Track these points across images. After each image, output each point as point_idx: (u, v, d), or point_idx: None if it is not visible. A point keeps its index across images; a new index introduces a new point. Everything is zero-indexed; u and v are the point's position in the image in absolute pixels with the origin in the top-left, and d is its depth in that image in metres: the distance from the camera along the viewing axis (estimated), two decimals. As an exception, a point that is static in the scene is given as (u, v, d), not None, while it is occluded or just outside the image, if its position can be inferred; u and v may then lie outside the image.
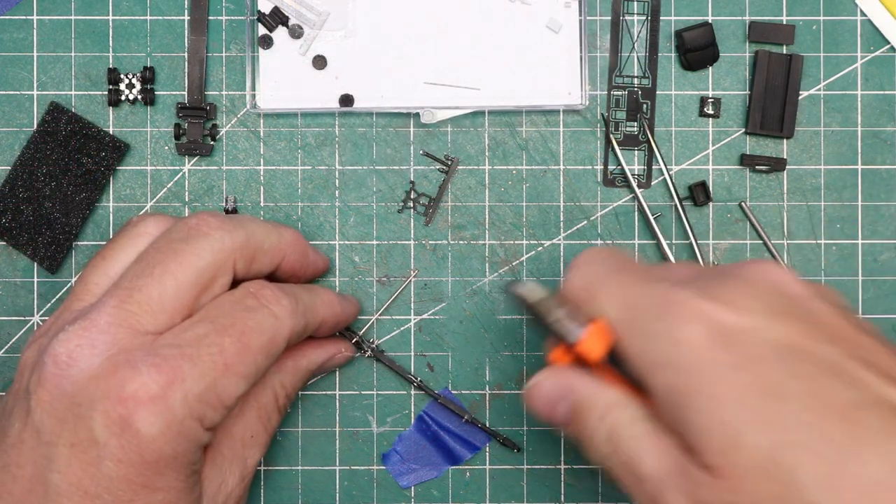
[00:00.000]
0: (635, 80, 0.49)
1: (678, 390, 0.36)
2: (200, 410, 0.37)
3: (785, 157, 0.49)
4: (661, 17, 0.49)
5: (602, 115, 0.49)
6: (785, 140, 0.49)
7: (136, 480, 0.36)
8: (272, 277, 0.45)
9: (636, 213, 0.49)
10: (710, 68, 0.49)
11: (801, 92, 0.49)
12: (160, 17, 0.49)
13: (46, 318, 0.49)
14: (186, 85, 0.49)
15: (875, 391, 0.33)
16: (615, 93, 0.49)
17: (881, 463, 0.32)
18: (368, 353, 0.48)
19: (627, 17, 0.49)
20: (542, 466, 0.49)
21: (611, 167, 0.49)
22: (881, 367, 0.34)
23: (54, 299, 0.49)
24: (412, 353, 0.49)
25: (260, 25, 0.48)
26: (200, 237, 0.40)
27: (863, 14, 0.49)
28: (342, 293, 0.48)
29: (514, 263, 0.49)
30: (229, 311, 0.39)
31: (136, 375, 0.36)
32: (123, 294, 0.38)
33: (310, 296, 0.43)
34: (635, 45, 0.49)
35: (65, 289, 0.49)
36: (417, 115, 0.49)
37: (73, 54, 0.49)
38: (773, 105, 0.49)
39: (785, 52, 0.49)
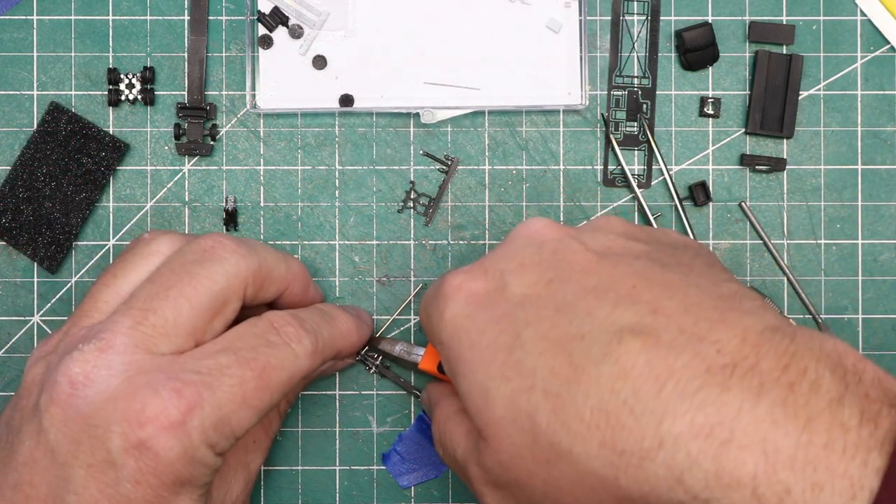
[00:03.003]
0: (635, 80, 0.49)
1: (450, 362, 0.38)
2: (214, 439, 0.37)
3: (785, 157, 0.49)
4: (661, 17, 0.49)
5: (602, 115, 0.49)
6: (785, 140, 0.49)
7: (154, 501, 0.36)
8: (271, 305, 0.45)
9: (636, 213, 0.49)
10: (710, 68, 0.49)
11: (801, 92, 0.49)
12: (160, 17, 0.49)
13: (46, 318, 0.49)
14: (186, 85, 0.49)
15: (601, 318, 0.34)
16: (615, 93, 0.49)
17: (597, 388, 0.32)
18: (372, 369, 0.48)
19: (627, 17, 0.49)
20: (542, 466, 0.49)
21: (611, 167, 0.49)
22: (619, 289, 0.35)
23: (54, 299, 0.49)
24: (412, 353, 0.49)
25: (260, 25, 0.48)
26: (216, 261, 0.40)
27: (863, 14, 0.49)
28: (358, 310, 0.48)
29: (514, 263, 0.49)
30: (253, 344, 0.39)
31: (157, 399, 0.36)
32: (138, 315, 0.38)
33: (330, 330, 0.43)
34: (635, 45, 0.49)
35: (65, 289, 0.49)
36: (417, 115, 0.49)
37: (73, 54, 0.49)
38: (773, 105, 0.49)
39: (785, 52, 0.49)
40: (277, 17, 0.48)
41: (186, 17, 0.49)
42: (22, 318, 0.49)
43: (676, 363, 0.31)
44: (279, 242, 0.49)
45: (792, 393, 0.30)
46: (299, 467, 0.49)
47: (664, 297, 0.34)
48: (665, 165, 0.49)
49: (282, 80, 0.49)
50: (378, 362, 0.48)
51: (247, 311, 0.42)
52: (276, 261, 0.42)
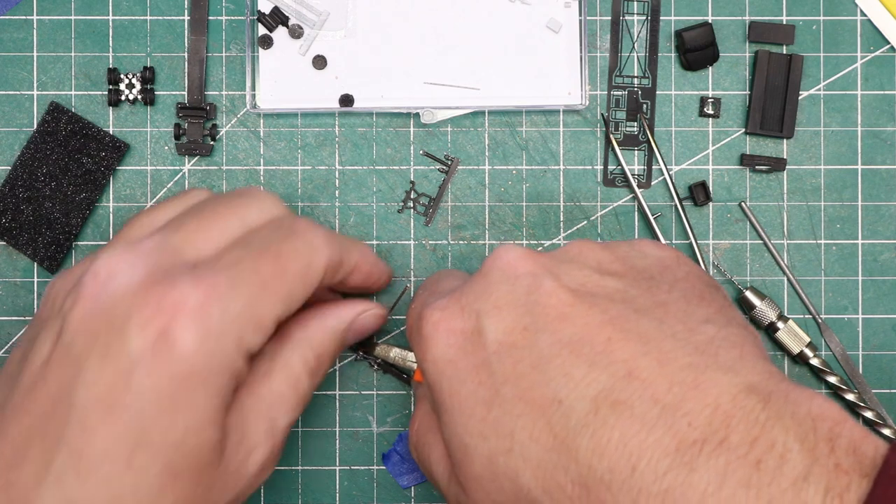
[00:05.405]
0: (635, 80, 0.49)
1: (434, 404, 0.38)
2: (238, 329, 0.37)
3: (785, 157, 0.49)
4: (661, 17, 0.49)
5: (602, 115, 0.49)
6: (785, 140, 0.49)
7: (165, 394, 0.35)
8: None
9: (636, 213, 0.49)
10: (710, 68, 0.49)
11: (801, 92, 0.49)
12: (160, 17, 0.49)
13: (46, 318, 0.49)
14: (186, 85, 0.49)
15: (578, 381, 0.34)
16: (615, 93, 0.49)
17: (576, 463, 0.33)
18: (375, 367, 0.48)
19: (627, 17, 0.49)
20: (542, 466, 0.49)
21: (611, 167, 0.49)
22: (594, 344, 0.34)
23: (54, 299, 0.49)
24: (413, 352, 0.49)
25: (260, 25, 0.48)
26: (250, 194, 0.42)
27: (863, 14, 0.49)
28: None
29: (514, 263, 0.49)
30: (265, 236, 0.40)
31: (176, 288, 0.36)
32: (169, 228, 0.39)
33: (345, 238, 0.43)
34: (635, 45, 0.49)
35: (65, 289, 0.49)
36: (417, 115, 0.49)
37: (73, 54, 0.49)
38: (773, 105, 0.49)
39: (785, 52, 0.49)
40: (277, 17, 0.48)
41: (186, 17, 0.49)
42: (22, 319, 0.49)
43: (648, 439, 0.31)
44: (279, 242, 0.49)
45: (757, 472, 0.30)
46: (299, 467, 0.49)
47: (639, 353, 0.34)
48: (665, 165, 0.49)
49: (282, 80, 0.49)
50: (380, 361, 0.48)
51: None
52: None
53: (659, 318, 0.35)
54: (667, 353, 0.33)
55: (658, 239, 0.48)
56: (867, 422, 0.48)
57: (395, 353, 0.48)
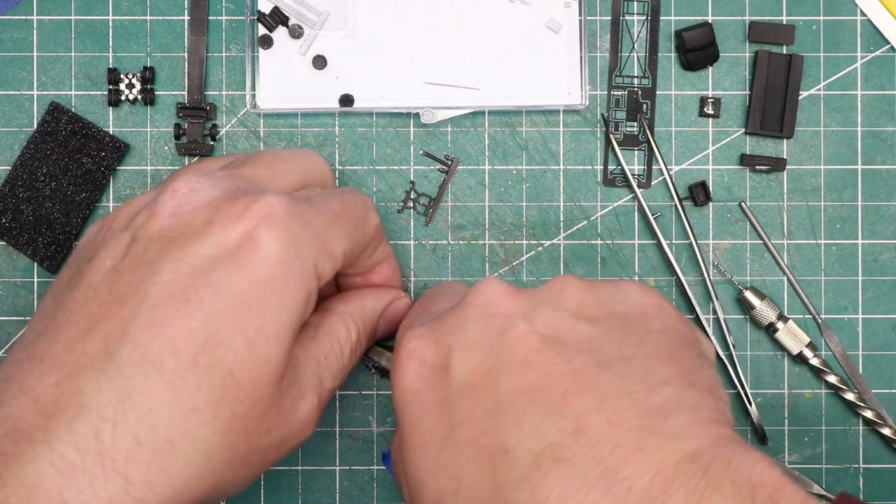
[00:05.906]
0: (635, 80, 0.49)
1: (398, 430, 0.38)
2: (317, 247, 0.37)
3: (785, 157, 0.49)
4: (661, 17, 0.49)
5: (602, 115, 0.49)
6: (785, 140, 0.49)
7: (242, 296, 0.35)
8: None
9: (636, 213, 0.49)
10: (710, 68, 0.49)
11: (801, 92, 0.49)
12: (160, 17, 0.49)
13: (46, 318, 0.49)
14: (186, 85, 0.49)
15: (528, 432, 0.33)
16: (615, 93, 0.49)
17: None
18: (373, 371, 0.48)
19: (627, 17, 0.49)
20: (542, 466, 0.49)
21: (611, 167, 0.49)
22: (552, 395, 0.34)
23: (54, 299, 0.49)
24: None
25: (260, 25, 0.48)
26: (310, 150, 0.44)
27: (863, 14, 0.49)
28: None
29: (514, 263, 0.49)
30: (326, 191, 0.42)
31: (261, 198, 0.37)
32: (236, 164, 0.40)
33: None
34: (635, 45, 0.49)
35: (65, 289, 0.49)
36: (417, 115, 0.49)
37: (73, 54, 0.49)
38: (773, 105, 0.49)
39: (785, 52, 0.49)
40: (277, 17, 0.48)
41: (186, 17, 0.49)
42: (22, 319, 0.49)
43: (586, 500, 0.31)
44: (279, 242, 0.49)
45: None
46: (299, 467, 0.49)
47: (592, 409, 0.33)
48: (665, 165, 0.49)
49: (282, 80, 0.49)
50: (378, 365, 0.48)
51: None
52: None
53: (620, 373, 0.35)
54: (619, 412, 0.33)
55: (658, 238, 0.48)
56: (867, 422, 0.48)
57: (388, 359, 0.47)
